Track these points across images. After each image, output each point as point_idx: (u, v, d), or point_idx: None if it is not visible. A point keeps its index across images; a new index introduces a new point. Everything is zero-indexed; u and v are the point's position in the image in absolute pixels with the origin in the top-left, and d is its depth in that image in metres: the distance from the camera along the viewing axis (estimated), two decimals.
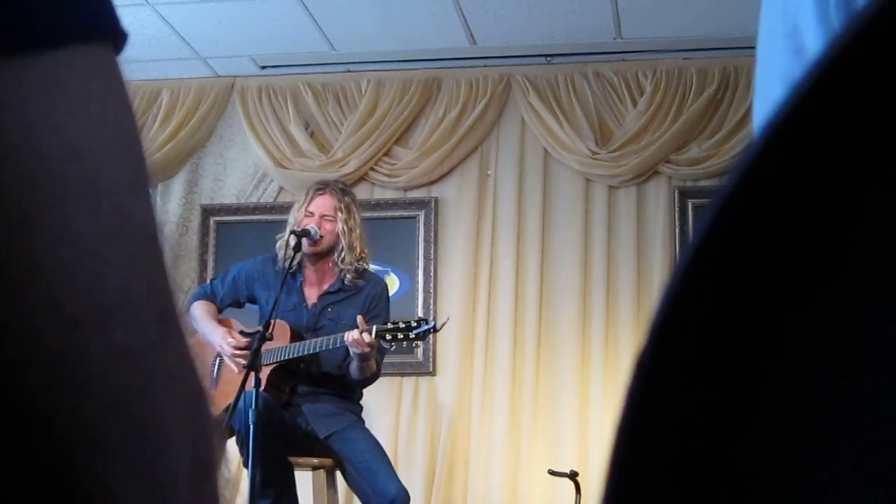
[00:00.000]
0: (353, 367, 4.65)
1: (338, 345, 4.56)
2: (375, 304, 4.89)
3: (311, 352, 4.68)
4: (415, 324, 4.56)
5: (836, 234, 0.35)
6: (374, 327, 4.52)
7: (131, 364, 0.57)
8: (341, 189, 5.03)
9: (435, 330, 4.70)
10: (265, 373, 4.53)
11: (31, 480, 0.55)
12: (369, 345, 4.49)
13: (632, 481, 0.38)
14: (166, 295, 0.60)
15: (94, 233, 0.55)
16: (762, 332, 0.36)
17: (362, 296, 4.89)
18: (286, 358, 4.69)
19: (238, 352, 4.79)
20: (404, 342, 4.61)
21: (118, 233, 0.56)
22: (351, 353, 4.56)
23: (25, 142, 0.53)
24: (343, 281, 4.89)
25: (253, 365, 4.35)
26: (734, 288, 0.36)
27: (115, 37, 0.58)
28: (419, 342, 4.76)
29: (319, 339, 4.67)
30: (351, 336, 4.48)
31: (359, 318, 4.52)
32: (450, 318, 5.35)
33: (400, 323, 4.56)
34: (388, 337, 4.55)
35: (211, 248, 6.91)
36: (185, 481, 0.59)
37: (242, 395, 4.33)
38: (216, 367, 4.95)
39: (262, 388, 4.44)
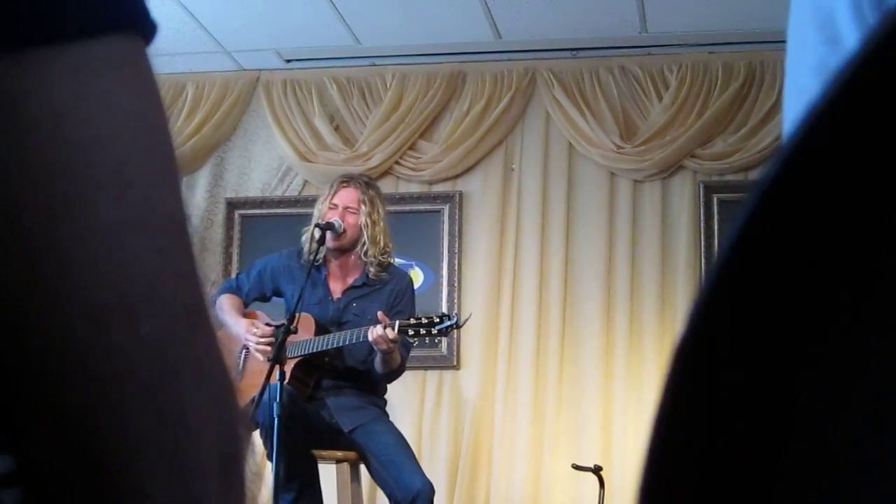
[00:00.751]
0: (378, 362, 4.65)
1: (361, 339, 4.56)
2: (400, 299, 4.89)
3: (335, 346, 4.68)
4: (437, 319, 4.55)
5: (876, 228, 0.35)
6: (397, 322, 4.51)
7: (159, 356, 0.57)
8: (366, 182, 5.03)
9: (458, 326, 4.69)
10: (289, 366, 4.53)
11: (60, 472, 0.55)
12: (392, 340, 4.48)
13: (668, 471, 0.38)
14: (194, 287, 0.60)
15: (122, 225, 0.55)
16: (802, 325, 0.35)
17: (387, 290, 4.88)
18: (310, 352, 4.69)
19: (263, 340, 4.79)
20: (427, 338, 4.61)
21: (146, 225, 0.56)
22: (374, 348, 4.56)
23: (54, 133, 0.53)
24: (367, 275, 4.88)
25: (278, 357, 4.36)
26: (774, 280, 0.35)
27: (145, 28, 0.58)
28: (442, 337, 4.74)
29: (343, 332, 4.67)
30: (374, 333, 4.47)
31: (380, 315, 4.52)
32: (472, 314, 5.34)
33: (423, 318, 4.55)
34: (411, 332, 4.55)
35: (236, 242, 6.92)
36: (212, 474, 0.59)
37: (267, 388, 4.34)
38: (242, 358, 4.96)
39: (287, 381, 4.44)
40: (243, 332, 4.87)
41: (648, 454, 0.38)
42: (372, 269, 4.87)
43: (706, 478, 0.37)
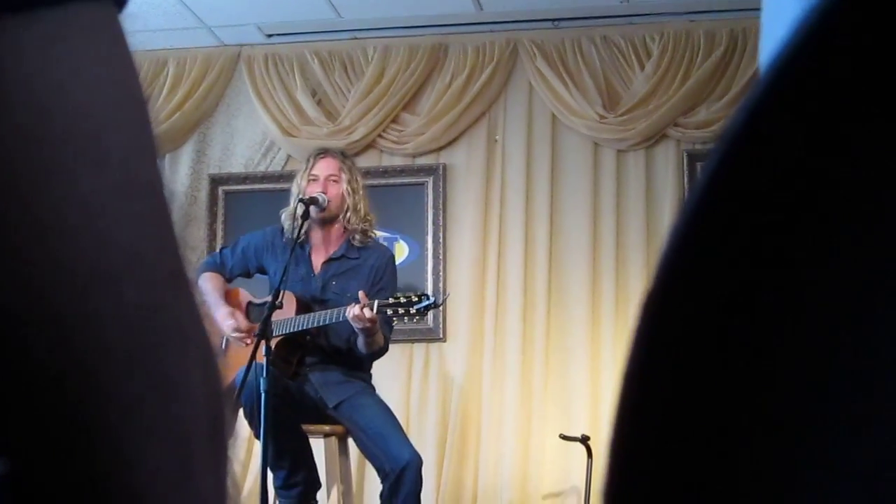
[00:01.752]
0: (360, 341, 4.64)
1: (341, 319, 4.55)
2: (381, 275, 4.87)
3: (316, 325, 4.66)
4: (416, 298, 4.54)
5: (845, 171, 0.35)
6: (376, 302, 4.50)
7: (145, 321, 0.56)
8: (341, 153, 5.06)
9: (436, 305, 4.69)
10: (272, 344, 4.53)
11: (48, 441, 0.55)
12: (370, 320, 4.48)
13: (641, 428, 0.38)
14: (176, 252, 0.59)
15: (101, 192, 0.55)
16: (769, 276, 0.35)
17: (367, 267, 4.87)
18: (291, 331, 4.68)
19: (237, 334, 4.79)
20: (405, 317, 4.60)
21: (125, 192, 0.56)
22: (354, 328, 4.56)
23: (28, 100, 0.53)
24: (350, 245, 4.88)
25: (264, 334, 4.36)
26: (741, 232, 0.36)
27: None
28: (420, 316, 4.74)
29: (323, 312, 4.66)
30: (352, 312, 4.46)
31: (360, 294, 4.51)
32: (456, 288, 5.32)
33: (401, 298, 4.55)
34: (389, 312, 4.54)
35: (220, 218, 6.91)
36: (200, 440, 0.59)
37: (252, 367, 4.34)
38: (224, 339, 4.95)
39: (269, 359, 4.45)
40: (220, 319, 4.85)
41: (620, 410, 0.38)
42: (358, 237, 4.86)
43: (678, 431, 0.37)
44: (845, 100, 0.35)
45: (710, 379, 0.36)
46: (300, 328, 4.68)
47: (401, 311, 4.53)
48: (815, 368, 0.35)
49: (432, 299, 4.59)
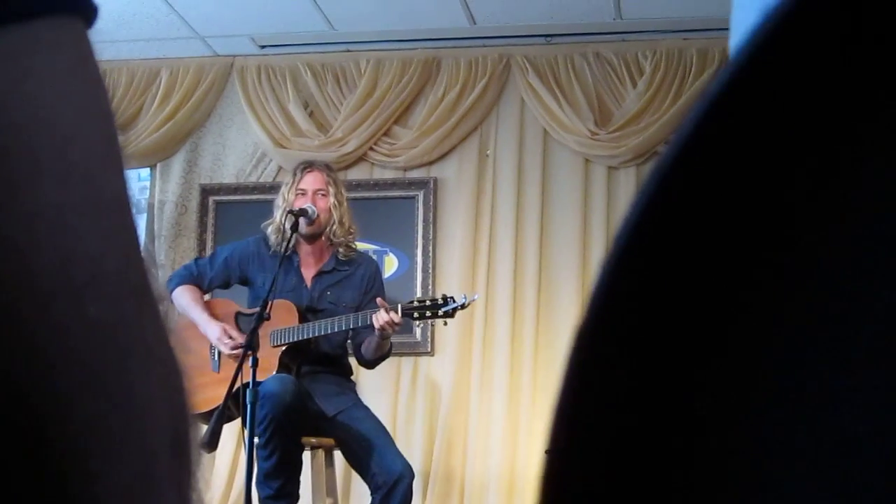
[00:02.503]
0: (371, 345, 4.66)
1: (366, 323, 4.57)
2: (372, 283, 4.91)
3: (336, 330, 4.68)
4: (442, 301, 4.57)
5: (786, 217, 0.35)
6: (400, 306, 4.52)
7: (108, 338, 0.56)
8: (326, 166, 5.07)
9: (463, 306, 4.69)
10: (275, 353, 4.55)
11: (10, 454, 0.55)
12: (398, 323, 4.51)
13: (572, 454, 0.38)
14: (140, 268, 0.59)
15: (66, 206, 0.55)
16: (706, 301, 0.36)
17: (358, 276, 4.90)
18: (309, 336, 4.69)
19: (235, 352, 4.76)
20: (432, 320, 4.62)
21: (90, 206, 0.56)
22: (376, 332, 4.57)
23: None
24: (337, 258, 4.90)
25: (251, 345, 4.36)
26: (678, 256, 0.36)
27: (86, 10, 0.58)
28: (448, 319, 4.73)
29: (343, 316, 4.67)
30: (380, 318, 4.48)
31: (379, 300, 4.54)
32: (478, 295, 5.32)
33: (427, 300, 4.58)
34: (416, 315, 4.56)
35: (210, 228, 6.90)
36: (163, 456, 0.59)
37: (268, 378, 4.38)
38: (216, 352, 4.92)
39: (276, 369, 4.47)
40: (216, 338, 4.83)
41: (552, 438, 0.38)
42: (341, 251, 4.88)
43: (609, 459, 0.37)
44: (803, 109, 0.35)
45: (639, 403, 0.37)
46: (316, 334, 4.69)
47: (428, 313, 4.55)
48: (745, 378, 0.35)
49: (461, 301, 4.60)
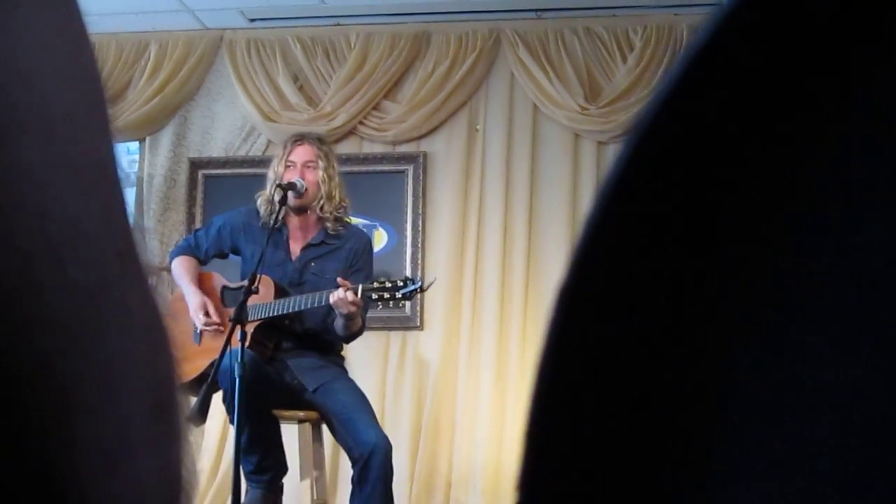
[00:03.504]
0: (339, 324, 4.64)
1: (322, 303, 4.54)
2: (358, 258, 4.87)
3: (296, 309, 4.66)
4: (401, 283, 4.54)
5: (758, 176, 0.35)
6: (360, 286, 4.50)
7: (87, 300, 0.56)
8: (318, 139, 5.02)
9: (422, 290, 4.67)
10: (249, 329, 4.51)
11: None
12: (353, 303, 4.47)
13: (553, 418, 0.38)
14: (124, 230, 0.59)
15: (46, 164, 0.54)
16: (678, 266, 0.36)
17: (345, 249, 4.87)
18: (271, 315, 4.67)
19: (210, 328, 4.77)
20: (391, 301, 4.59)
21: (71, 165, 0.55)
22: (336, 312, 4.55)
23: None
24: (326, 231, 4.87)
25: (240, 318, 4.35)
26: (655, 221, 0.36)
27: None
28: (405, 301, 4.73)
29: (304, 296, 4.64)
30: (335, 296, 4.46)
31: (339, 280, 4.50)
32: (437, 278, 5.34)
33: (386, 282, 4.54)
34: (374, 296, 4.54)
35: (199, 202, 6.90)
36: (142, 421, 0.59)
37: (228, 352, 4.32)
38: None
39: (248, 344, 4.42)
40: (192, 310, 4.84)
41: (533, 399, 0.38)
42: (329, 225, 4.86)
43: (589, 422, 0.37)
44: (758, 91, 0.35)
45: (617, 375, 0.37)
46: (279, 312, 4.66)
47: (386, 295, 4.52)
48: (722, 363, 0.35)
49: (418, 283, 4.58)
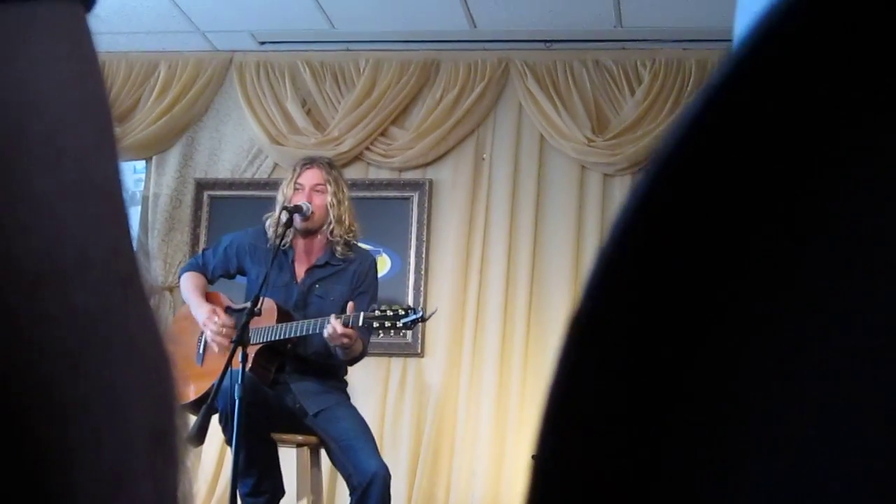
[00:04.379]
0: (338, 350, 4.63)
1: (320, 329, 4.54)
2: (362, 280, 4.87)
3: (297, 335, 4.65)
4: (402, 312, 4.53)
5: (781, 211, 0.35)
6: (362, 314, 4.49)
7: (90, 327, 0.56)
8: (328, 163, 5.02)
9: (423, 319, 4.66)
10: (251, 352, 4.50)
11: None
12: (344, 335, 4.47)
13: (559, 453, 0.38)
14: (128, 257, 0.59)
15: (54, 192, 0.54)
16: (700, 289, 0.36)
17: (350, 271, 4.87)
18: (272, 339, 4.66)
19: (221, 332, 4.76)
20: (392, 330, 4.58)
21: (79, 193, 0.55)
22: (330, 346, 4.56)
23: None
24: (333, 254, 4.87)
25: (241, 340, 4.34)
26: (670, 252, 0.36)
27: None
28: (407, 331, 4.72)
29: (305, 322, 4.63)
30: (327, 331, 4.46)
31: (332, 318, 4.49)
32: (438, 309, 5.32)
33: (388, 310, 4.53)
34: (376, 325, 4.53)
35: (204, 223, 6.90)
36: (142, 446, 0.59)
37: (228, 373, 4.31)
38: (202, 344, 4.93)
39: (249, 367, 4.41)
40: (203, 318, 4.84)
41: (544, 423, 0.38)
42: (339, 249, 4.86)
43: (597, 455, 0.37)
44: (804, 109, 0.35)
45: (628, 407, 0.36)
46: (280, 337, 4.66)
47: (387, 324, 4.51)
48: (730, 383, 0.35)
49: (420, 314, 4.58)
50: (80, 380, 0.56)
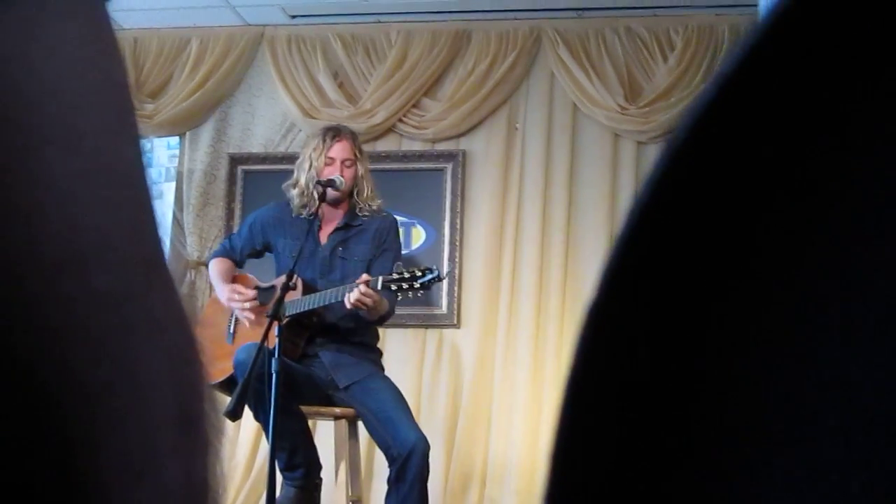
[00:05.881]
0: (363, 312, 4.65)
1: (341, 299, 4.56)
2: (385, 236, 4.90)
3: (321, 305, 4.67)
4: (419, 273, 4.55)
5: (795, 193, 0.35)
6: (380, 278, 4.51)
7: (113, 309, 0.56)
8: (352, 134, 5.06)
9: (440, 279, 4.68)
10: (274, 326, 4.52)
11: (15, 423, 0.55)
12: (367, 296, 4.48)
13: (582, 430, 0.38)
14: (151, 240, 0.59)
15: (73, 176, 0.54)
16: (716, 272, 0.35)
17: (371, 229, 4.90)
18: (299, 312, 4.68)
19: (246, 305, 4.80)
20: (410, 292, 4.59)
21: (98, 177, 0.56)
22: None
23: (2, 83, 0.53)
24: (354, 216, 4.91)
25: (276, 314, 4.36)
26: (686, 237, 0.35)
27: None
28: (424, 291, 4.71)
29: (328, 291, 4.66)
30: (348, 300, 4.48)
31: (349, 290, 4.52)
32: (455, 267, 5.31)
33: (405, 272, 4.55)
34: (394, 287, 4.54)
35: (238, 197, 6.92)
36: (168, 430, 0.59)
37: (244, 347, 4.37)
38: (233, 323, 4.97)
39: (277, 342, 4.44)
40: (226, 298, 4.89)
41: (562, 410, 0.38)
42: (359, 211, 4.91)
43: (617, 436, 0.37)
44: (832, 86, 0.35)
45: (644, 397, 0.36)
46: (307, 308, 4.68)
47: (405, 285, 4.53)
48: (746, 378, 0.35)
49: (436, 273, 4.59)
50: (104, 363, 0.56)
